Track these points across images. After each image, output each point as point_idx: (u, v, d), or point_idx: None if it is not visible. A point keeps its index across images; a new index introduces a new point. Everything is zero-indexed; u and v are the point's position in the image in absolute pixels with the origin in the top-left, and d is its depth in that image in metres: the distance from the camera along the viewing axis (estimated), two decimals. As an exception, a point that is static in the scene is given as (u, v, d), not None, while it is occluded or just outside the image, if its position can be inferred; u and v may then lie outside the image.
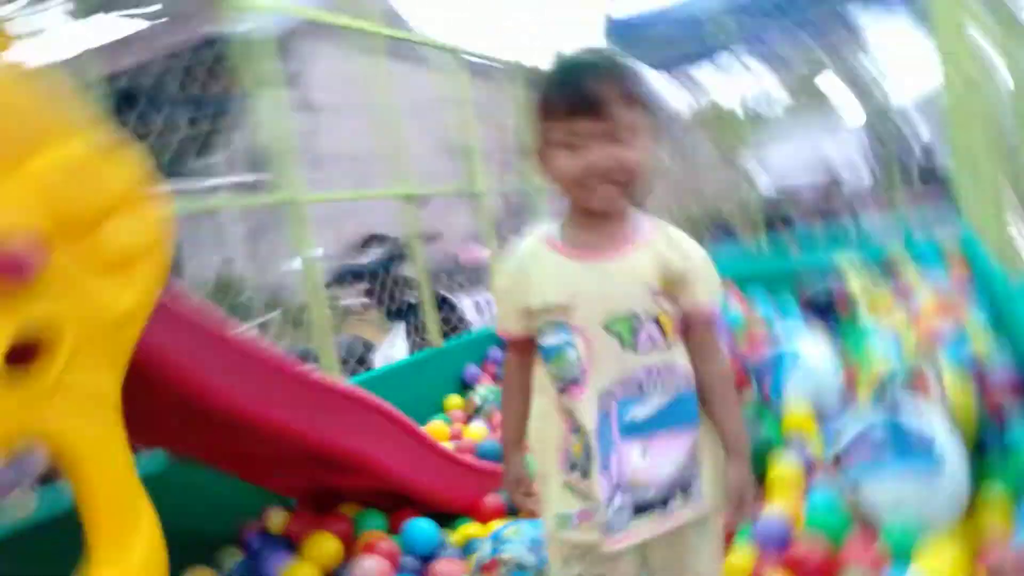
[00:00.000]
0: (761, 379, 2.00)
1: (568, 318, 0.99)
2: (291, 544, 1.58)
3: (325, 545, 1.54)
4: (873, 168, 9.58)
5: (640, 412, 0.98)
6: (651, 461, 0.98)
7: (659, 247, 1.00)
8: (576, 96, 0.95)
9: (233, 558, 1.62)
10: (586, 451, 0.99)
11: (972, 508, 1.34)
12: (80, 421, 0.84)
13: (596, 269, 0.99)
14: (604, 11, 5.00)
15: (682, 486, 1.00)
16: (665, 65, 8.32)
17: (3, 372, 0.75)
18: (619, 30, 7.24)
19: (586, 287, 0.98)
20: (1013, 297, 1.90)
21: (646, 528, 0.99)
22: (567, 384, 1.00)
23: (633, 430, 0.98)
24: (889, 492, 1.31)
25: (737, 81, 4.47)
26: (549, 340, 1.01)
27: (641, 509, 0.98)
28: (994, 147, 1.96)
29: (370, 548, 1.54)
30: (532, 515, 1.12)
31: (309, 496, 1.74)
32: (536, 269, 1.02)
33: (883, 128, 7.30)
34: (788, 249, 6.14)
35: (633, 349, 0.97)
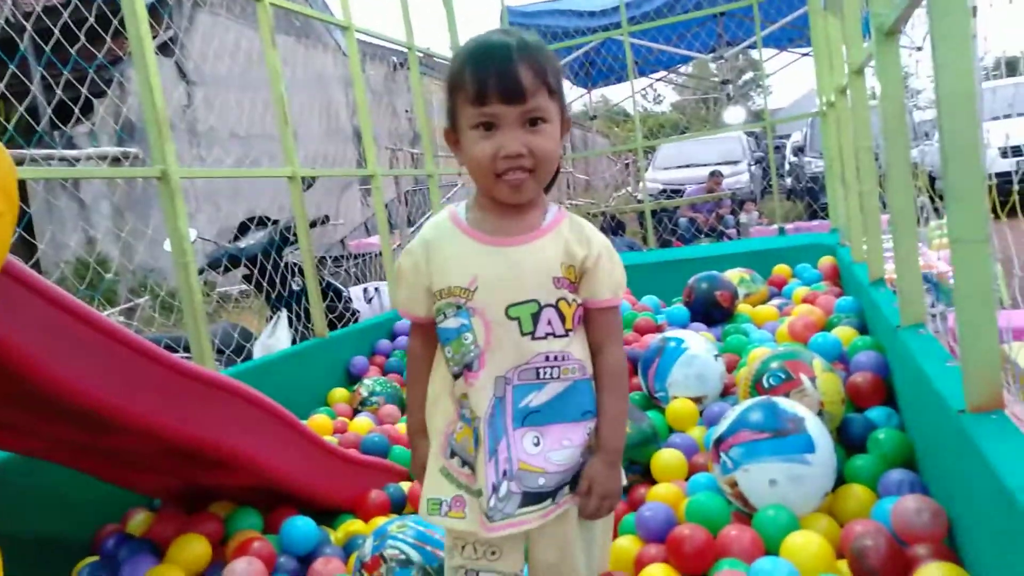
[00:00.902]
0: (647, 369, 2.04)
1: (469, 301, 0.98)
2: (155, 548, 1.46)
3: (193, 547, 1.43)
4: (751, 167, 10.12)
5: (536, 399, 0.98)
6: (544, 450, 0.98)
7: (565, 236, 1.00)
8: (493, 79, 0.93)
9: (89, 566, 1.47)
10: (475, 437, 0.99)
11: (836, 490, 1.42)
12: None
13: (501, 254, 0.99)
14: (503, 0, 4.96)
15: (573, 477, 1.00)
16: (560, 58, 8.42)
17: None
18: (517, 20, 7.27)
19: (490, 271, 0.98)
20: (872, 291, 2.04)
21: (533, 517, 0.98)
22: (462, 369, 0.99)
23: (527, 418, 0.98)
24: (764, 474, 1.36)
25: (630, 79, 4.57)
26: (448, 323, 1.00)
27: (530, 498, 0.97)
28: (862, 149, 2.09)
29: (243, 549, 1.44)
30: None
31: (175, 495, 1.62)
32: (442, 250, 1.01)
33: (760, 131, 7.68)
34: (673, 243, 6.38)
35: (532, 336, 0.97)
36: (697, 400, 1.95)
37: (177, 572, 1.38)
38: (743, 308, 2.77)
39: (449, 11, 4.02)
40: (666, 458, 1.66)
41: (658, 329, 2.64)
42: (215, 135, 7.55)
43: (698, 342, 2.03)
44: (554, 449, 0.98)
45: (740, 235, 6.62)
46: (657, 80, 11.12)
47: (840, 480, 1.45)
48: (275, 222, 3.59)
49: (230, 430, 1.36)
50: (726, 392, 2.03)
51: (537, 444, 0.98)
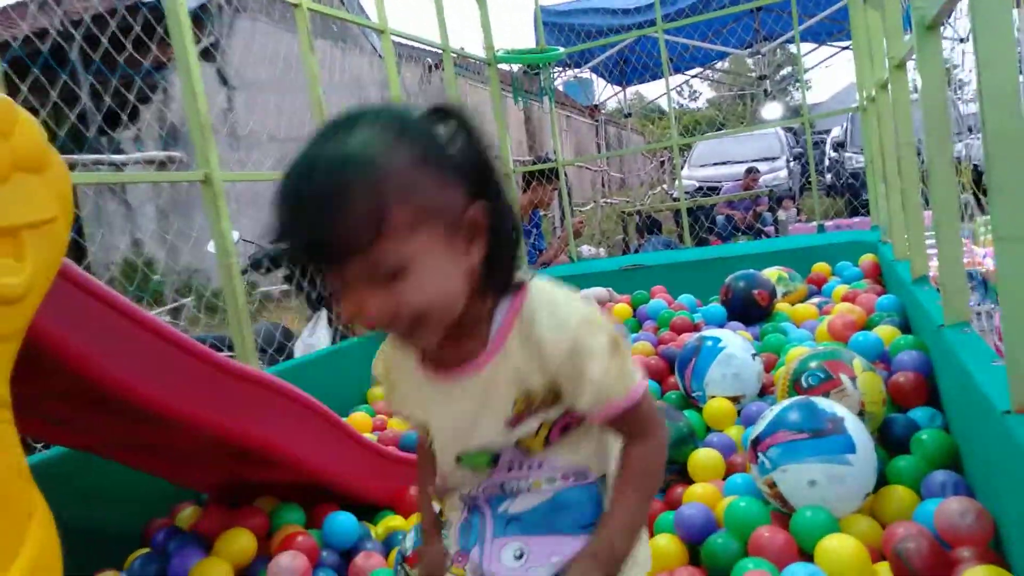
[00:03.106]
0: (684, 368, 2.03)
1: (431, 437, 0.86)
2: (202, 541, 1.51)
3: (239, 541, 1.47)
4: (790, 163, 9.96)
5: (514, 506, 0.81)
6: (526, 564, 0.80)
7: (514, 359, 0.75)
8: (306, 243, 0.66)
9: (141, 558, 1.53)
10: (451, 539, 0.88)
11: (878, 491, 1.40)
12: (-40, 413, 0.76)
13: (443, 393, 0.80)
14: (536, -1, 4.97)
15: None
16: (594, 56, 8.42)
17: None
18: (551, 20, 7.28)
19: (437, 414, 0.82)
20: (915, 289, 2.00)
21: None
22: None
23: (510, 526, 0.81)
24: (804, 474, 1.35)
25: (665, 76, 4.55)
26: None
27: None
28: (904, 145, 2.05)
29: (288, 543, 1.48)
30: None
31: (222, 490, 1.66)
32: (404, 382, 0.85)
33: (799, 127, 7.56)
34: (710, 242, 6.32)
35: (490, 471, 0.81)
36: (734, 399, 1.94)
37: (224, 565, 1.42)
38: (781, 307, 2.74)
39: (483, 11, 4.04)
40: (703, 458, 1.65)
41: (695, 328, 2.63)
42: (255, 138, 7.70)
43: (735, 341, 2.02)
44: (538, 565, 0.79)
45: (778, 233, 6.53)
46: (693, 77, 11.02)
47: (882, 482, 1.43)
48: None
49: (273, 426, 1.39)
50: (764, 392, 2.01)
51: (520, 557, 0.80)
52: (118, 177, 3.04)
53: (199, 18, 7.61)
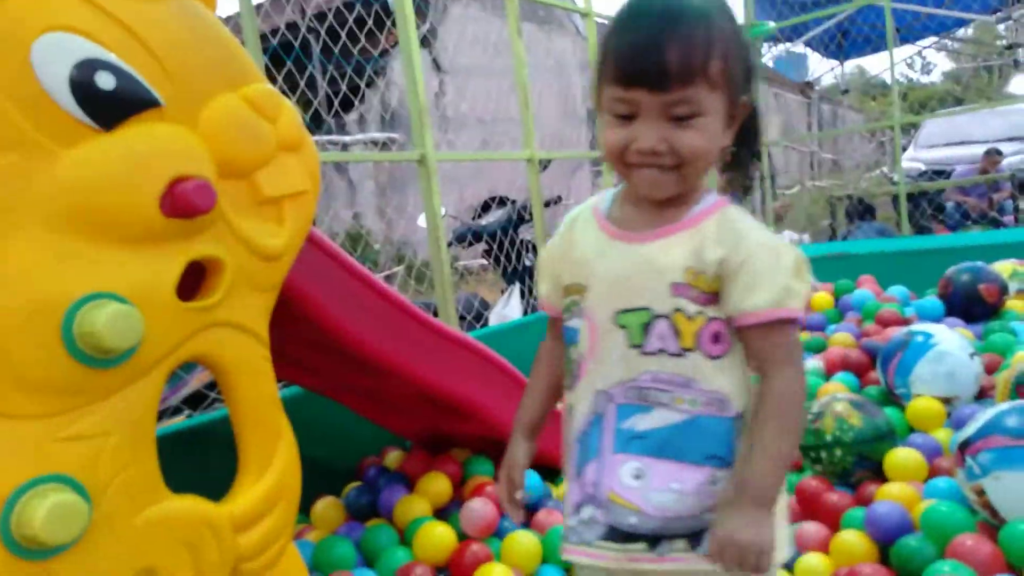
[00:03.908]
0: (887, 363, 1.91)
1: (583, 300, 0.86)
2: (406, 481, 1.69)
3: (437, 484, 1.64)
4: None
5: (642, 423, 0.82)
6: (645, 487, 0.81)
7: (704, 234, 0.82)
8: (636, 59, 0.77)
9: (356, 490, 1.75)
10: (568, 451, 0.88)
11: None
12: (233, 346, 0.93)
13: (624, 252, 0.84)
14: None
15: (686, 531, 0.81)
16: (808, 29, 7.86)
17: (174, 300, 0.85)
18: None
19: (604, 270, 0.85)
20: None
21: (614, 556, 0.83)
22: (571, 376, 0.88)
23: (631, 442, 0.82)
24: (1020, 484, 1.24)
25: (889, 49, 4.17)
26: (570, 323, 0.88)
27: (616, 534, 0.82)
28: None
29: (478, 491, 1.62)
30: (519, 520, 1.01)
31: (423, 438, 1.85)
32: (575, 242, 0.90)
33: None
34: (933, 231, 5.73)
35: (640, 349, 0.82)
36: (946, 400, 1.79)
37: (424, 503, 1.60)
38: (1013, 304, 2.45)
39: (690, -11, 3.95)
40: (902, 457, 1.56)
41: (904, 322, 2.44)
42: (463, 120, 8.14)
43: (951, 338, 1.86)
44: (658, 489, 0.81)
45: (1019, 223, 5.75)
46: (926, 48, 9.91)
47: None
48: (513, 202, 3.83)
49: (469, 383, 1.53)
50: (982, 395, 1.84)
51: (638, 478, 0.81)
52: (349, 156, 3.42)
53: (419, 7, 8.16)
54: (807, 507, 1.53)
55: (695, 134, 0.79)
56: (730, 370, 0.83)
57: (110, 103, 0.80)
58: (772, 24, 4.50)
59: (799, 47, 8.95)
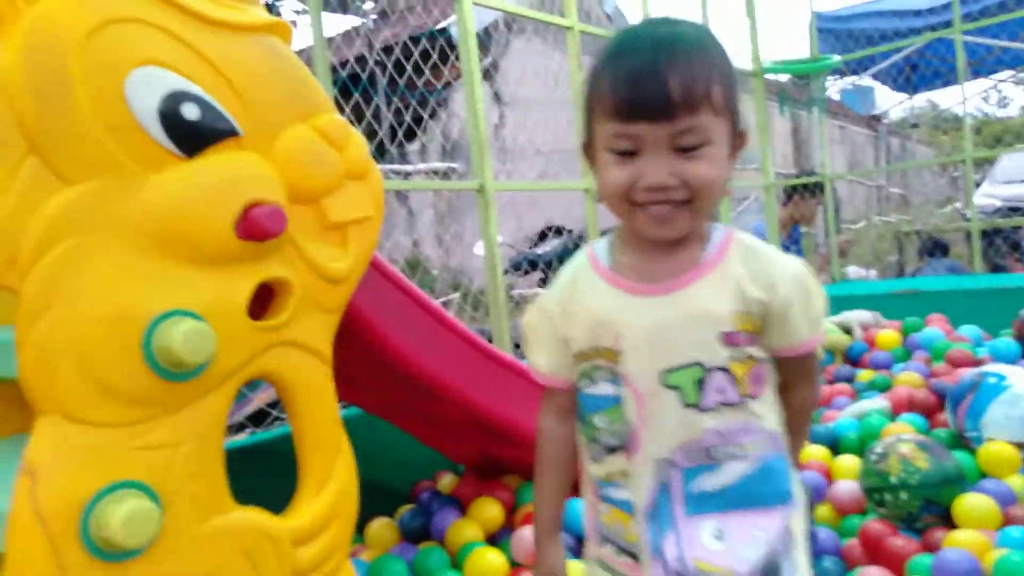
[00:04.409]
0: (957, 404, 1.84)
1: (616, 365, 0.79)
2: (459, 505, 1.70)
3: (489, 510, 1.65)
4: None
5: (712, 482, 0.77)
6: (729, 544, 0.76)
7: (735, 274, 0.77)
8: (636, 90, 0.72)
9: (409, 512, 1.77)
10: (636, 529, 0.81)
11: None
12: (298, 365, 0.97)
13: (655, 306, 0.78)
14: (811, 6, 4.72)
15: (767, 574, 0.77)
16: (875, 62, 7.72)
17: (245, 319, 0.89)
18: (827, 26, 6.82)
19: (640, 328, 0.78)
20: None
21: None
22: (612, 447, 0.81)
23: (704, 505, 0.77)
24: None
25: (960, 83, 4.06)
26: (597, 389, 0.81)
27: None
28: None
29: (529, 519, 1.61)
30: None
31: (476, 463, 1.86)
32: (578, 301, 0.83)
33: None
34: (1008, 269, 5.49)
35: (697, 407, 0.77)
36: (1020, 446, 1.71)
37: (476, 527, 1.60)
38: (1096, 348, 2.33)
39: (752, 23, 3.94)
40: (974, 503, 1.49)
41: (976, 363, 2.34)
42: (521, 151, 8.25)
43: (1026, 379, 1.78)
44: (743, 543, 0.76)
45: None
46: (1002, 81, 9.59)
47: None
48: (569, 231, 3.85)
49: (522, 410, 1.53)
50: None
51: (720, 538, 0.76)
52: (411, 185, 3.50)
53: (482, 42, 8.35)
54: (870, 551, 1.47)
55: (705, 164, 0.74)
56: (771, 405, 0.82)
57: (194, 132, 0.85)
58: (837, 58, 4.44)
59: (866, 80, 8.78)
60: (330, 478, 1.01)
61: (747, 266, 0.78)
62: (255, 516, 0.89)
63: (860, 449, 1.86)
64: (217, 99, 0.88)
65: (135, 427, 0.79)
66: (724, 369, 0.77)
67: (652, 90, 0.72)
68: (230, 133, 0.88)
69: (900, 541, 1.45)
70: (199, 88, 0.86)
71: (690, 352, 0.76)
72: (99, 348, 0.77)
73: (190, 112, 0.85)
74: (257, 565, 0.87)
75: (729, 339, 0.76)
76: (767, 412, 0.80)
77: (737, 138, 0.79)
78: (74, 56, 0.78)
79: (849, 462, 1.77)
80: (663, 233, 0.77)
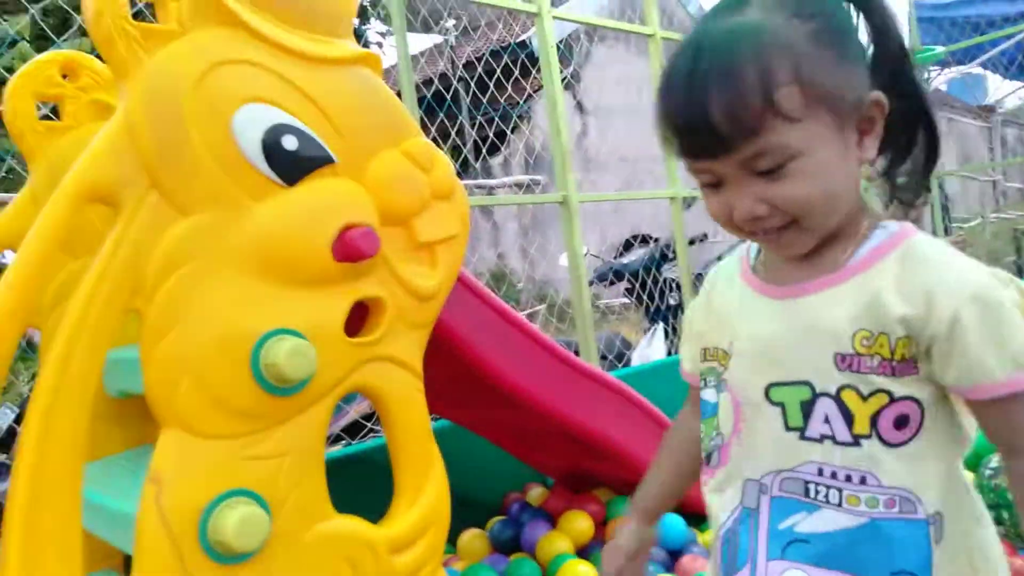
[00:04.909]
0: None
1: (724, 370, 0.72)
2: (549, 517, 1.72)
3: (579, 522, 1.65)
4: None
5: (806, 524, 0.65)
6: None
7: (880, 282, 0.63)
8: (684, 131, 0.63)
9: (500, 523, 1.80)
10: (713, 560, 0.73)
11: None
12: (392, 379, 1.01)
13: (773, 310, 0.69)
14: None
15: None
16: (984, 50, 7.28)
17: (342, 336, 0.94)
18: (926, 15, 6.50)
19: (752, 333, 0.69)
20: None
21: None
22: (708, 457, 0.74)
23: (793, 549, 0.66)
24: None
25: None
26: (706, 394, 0.75)
27: None
28: None
29: (620, 532, 1.61)
30: None
31: (565, 476, 1.87)
32: (716, 298, 0.76)
33: None
34: None
35: (800, 434, 0.66)
36: None
37: (566, 540, 1.61)
38: None
39: (843, 18, 3.80)
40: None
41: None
42: (605, 160, 8.22)
43: None
44: None
45: None
46: None
47: None
48: (656, 240, 3.81)
49: (609, 422, 1.54)
50: None
51: None
52: (495, 200, 3.57)
53: (563, 54, 8.40)
54: (985, 572, 1.39)
55: (794, 183, 0.62)
56: (920, 460, 0.64)
57: (293, 162, 0.91)
58: (941, 48, 4.21)
59: (976, 69, 8.29)
60: (424, 488, 1.04)
61: (902, 273, 0.63)
62: (354, 524, 0.94)
63: (975, 464, 1.76)
64: (314, 130, 0.94)
65: (245, 439, 0.84)
66: (834, 398, 0.64)
67: (697, 127, 0.61)
68: (326, 161, 0.94)
69: (1019, 561, 1.36)
70: (298, 120, 0.92)
71: (801, 369, 0.66)
72: (213, 365, 0.83)
73: (290, 143, 0.90)
74: (357, 571, 0.92)
75: (845, 363, 0.63)
76: (901, 467, 0.63)
77: (866, 110, 0.64)
78: (187, 98, 0.85)
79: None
80: (786, 254, 0.69)
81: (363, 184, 0.98)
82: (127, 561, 0.99)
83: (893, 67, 0.66)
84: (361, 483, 1.35)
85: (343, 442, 2.46)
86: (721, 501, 0.72)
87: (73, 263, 1.13)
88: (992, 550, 0.68)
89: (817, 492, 0.65)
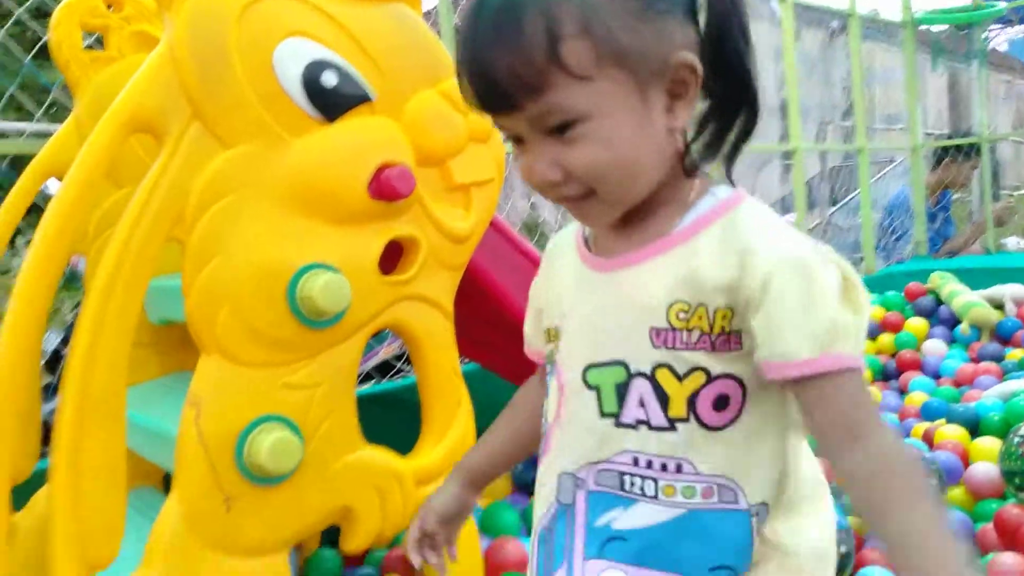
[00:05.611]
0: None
1: (556, 350, 0.65)
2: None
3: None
4: None
5: (622, 520, 0.59)
6: None
7: (701, 251, 0.57)
8: (470, 83, 0.56)
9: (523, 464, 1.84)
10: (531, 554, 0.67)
11: None
12: (423, 318, 1.03)
13: (596, 284, 0.62)
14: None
15: None
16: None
17: (377, 273, 0.95)
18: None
19: (578, 310, 0.63)
20: None
21: None
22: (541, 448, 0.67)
23: (610, 547, 0.60)
24: None
25: None
26: (548, 377, 0.67)
27: None
28: None
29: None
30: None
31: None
32: (553, 272, 0.69)
33: None
34: None
35: (615, 420, 0.59)
36: None
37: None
38: None
39: (903, -32, 3.64)
40: None
41: None
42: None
43: None
44: None
45: None
46: None
47: None
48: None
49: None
50: None
51: None
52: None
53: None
54: (1007, 537, 1.39)
55: (585, 148, 0.55)
56: (740, 445, 0.58)
57: (333, 98, 0.91)
58: (1003, 4, 4.01)
59: (1037, 27, 7.87)
60: (451, 425, 1.07)
61: (723, 241, 0.56)
62: (383, 455, 0.97)
63: (1003, 431, 1.74)
64: (354, 66, 0.94)
65: (281, 368, 0.87)
66: (649, 378, 0.58)
67: (482, 81, 0.55)
68: (365, 98, 0.94)
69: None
70: (338, 56, 0.92)
71: (617, 347, 0.59)
72: (251, 296, 0.85)
73: (329, 79, 0.91)
74: (385, 500, 0.95)
75: (660, 338, 0.57)
76: (719, 452, 0.58)
77: (673, 72, 0.56)
78: (231, 30, 0.85)
79: (989, 444, 1.67)
80: (591, 225, 0.64)
81: (400, 123, 0.98)
82: (167, 479, 1.04)
83: (714, 20, 0.57)
84: (390, 420, 1.39)
85: (372, 381, 2.52)
86: (540, 495, 0.66)
87: (117, 192, 1.16)
88: (828, 548, 0.63)
89: (632, 484, 0.59)
